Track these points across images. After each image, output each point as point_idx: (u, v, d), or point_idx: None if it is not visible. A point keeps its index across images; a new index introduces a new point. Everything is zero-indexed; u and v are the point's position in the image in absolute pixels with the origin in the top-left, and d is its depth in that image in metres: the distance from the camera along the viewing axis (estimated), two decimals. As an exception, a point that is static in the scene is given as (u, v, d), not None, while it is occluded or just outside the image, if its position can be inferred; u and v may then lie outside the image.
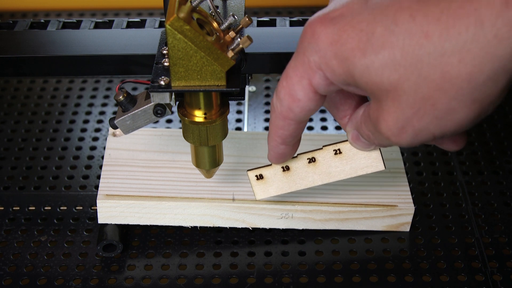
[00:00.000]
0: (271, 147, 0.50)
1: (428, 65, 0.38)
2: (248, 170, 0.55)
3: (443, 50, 0.37)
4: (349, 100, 0.48)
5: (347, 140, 0.50)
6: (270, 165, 0.54)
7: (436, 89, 0.38)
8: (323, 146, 0.52)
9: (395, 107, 0.40)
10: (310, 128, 0.73)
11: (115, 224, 0.59)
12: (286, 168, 0.54)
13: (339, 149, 0.52)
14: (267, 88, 0.79)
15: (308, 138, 0.66)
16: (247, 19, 0.49)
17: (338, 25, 0.40)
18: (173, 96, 0.50)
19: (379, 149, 0.51)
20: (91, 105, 0.76)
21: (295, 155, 0.53)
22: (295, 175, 0.54)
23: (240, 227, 0.60)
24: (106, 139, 0.70)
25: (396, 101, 0.40)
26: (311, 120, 0.74)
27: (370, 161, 0.52)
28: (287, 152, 0.50)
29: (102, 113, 0.75)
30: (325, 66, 0.42)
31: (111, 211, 0.59)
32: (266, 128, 0.73)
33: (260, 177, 0.55)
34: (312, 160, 0.53)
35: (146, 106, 0.52)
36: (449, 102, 0.38)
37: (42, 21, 0.59)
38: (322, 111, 0.75)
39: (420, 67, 0.38)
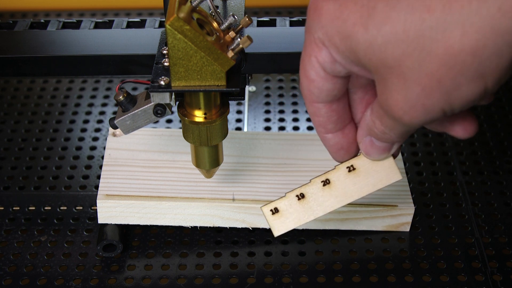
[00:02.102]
0: (322, 140, 0.48)
1: (430, 40, 0.37)
2: (261, 207, 0.52)
3: (445, 24, 0.36)
4: (359, 106, 0.47)
5: (358, 155, 0.49)
6: (284, 196, 0.51)
7: (440, 64, 0.37)
8: (335, 166, 0.50)
9: (402, 84, 0.39)
10: (310, 129, 0.73)
11: (115, 224, 0.59)
12: (301, 196, 0.51)
13: (352, 166, 0.49)
14: (267, 88, 0.79)
15: (309, 138, 0.66)
16: (247, 19, 0.49)
17: (339, 0, 0.40)
18: (173, 96, 0.50)
19: (392, 159, 0.50)
20: (91, 105, 0.76)
21: (308, 181, 0.51)
22: (312, 202, 0.51)
23: (240, 227, 0.60)
24: (106, 139, 0.70)
25: (401, 79, 0.39)
26: (310, 120, 0.73)
27: (385, 173, 0.50)
28: (340, 141, 0.48)
29: (102, 113, 0.75)
30: (329, 43, 0.41)
31: (111, 211, 0.59)
32: (266, 128, 0.73)
33: (275, 211, 0.51)
34: (326, 182, 0.50)
35: (146, 106, 0.52)
36: (455, 77, 0.37)
37: (42, 21, 0.59)
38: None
39: (422, 42, 0.37)
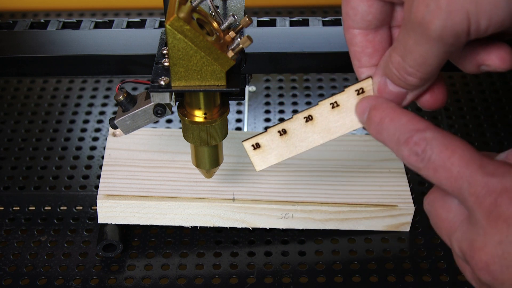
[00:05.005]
0: (357, 75, 0.46)
1: None
2: (242, 141, 0.50)
3: None
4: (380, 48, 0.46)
5: (342, 92, 0.47)
6: (265, 131, 0.50)
7: None
8: (319, 101, 0.49)
9: None
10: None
11: (115, 224, 0.59)
12: (283, 132, 0.49)
13: (335, 102, 0.48)
14: (267, 88, 0.79)
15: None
16: (247, 19, 0.49)
17: None
18: (173, 96, 0.50)
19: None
20: (91, 105, 0.76)
21: (291, 116, 0.49)
22: (294, 138, 0.50)
23: (240, 227, 0.60)
24: (106, 139, 0.70)
25: None
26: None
27: None
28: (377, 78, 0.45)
29: (102, 113, 0.75)
30: None
31: (111, 211, 0.59)
32: (266, 128, 0.73)
33: (256, 146, 0.50)
34: (309, 118, 0.49)
35: (146, 106, 0.52)
36: None
37: (42, 21, 0.59)
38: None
39: None
